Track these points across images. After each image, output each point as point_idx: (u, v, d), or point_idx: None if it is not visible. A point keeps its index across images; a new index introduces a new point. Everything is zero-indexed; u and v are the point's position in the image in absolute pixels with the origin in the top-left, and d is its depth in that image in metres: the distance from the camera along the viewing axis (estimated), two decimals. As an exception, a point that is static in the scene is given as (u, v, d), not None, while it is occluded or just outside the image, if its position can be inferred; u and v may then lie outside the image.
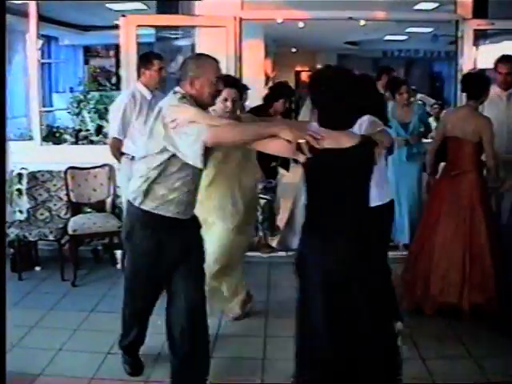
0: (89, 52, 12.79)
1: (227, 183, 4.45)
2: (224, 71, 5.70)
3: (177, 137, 3.18)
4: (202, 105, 3.39)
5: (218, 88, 3.48)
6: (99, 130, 9.61)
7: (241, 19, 6.10)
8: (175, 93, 3.37)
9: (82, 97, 11.36)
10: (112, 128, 5.35)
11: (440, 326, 4.69)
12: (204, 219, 4.02)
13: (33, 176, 6.25)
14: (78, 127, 9.50)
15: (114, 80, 12.68)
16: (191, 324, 3.62)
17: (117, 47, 12.49)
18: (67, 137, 8.25)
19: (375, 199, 3.74)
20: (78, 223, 5.89)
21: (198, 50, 6.20)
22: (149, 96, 5.31)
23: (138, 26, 5.86)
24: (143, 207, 3.43)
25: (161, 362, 4.12)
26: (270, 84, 9.74)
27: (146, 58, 5.32)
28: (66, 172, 6.18)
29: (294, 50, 15.88)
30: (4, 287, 3.03)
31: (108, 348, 4.38)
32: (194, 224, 3.68)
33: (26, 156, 6.38)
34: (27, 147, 6.53)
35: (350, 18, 6.36)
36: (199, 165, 3.17)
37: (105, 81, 12.63)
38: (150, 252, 3.50)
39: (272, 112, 6.00)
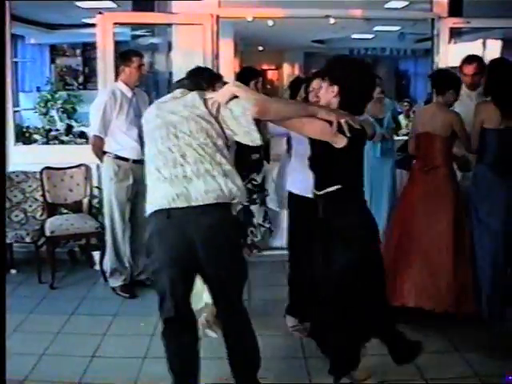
0: (55, 51, 12.60)
1: None
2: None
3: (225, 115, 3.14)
4: None
5: None
6: (69, 129, 9.51)
7: (218, 17, 6.06)
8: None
9: (49, 96, 11.22)
10: (93, 126, 5.29)
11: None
12: None
13: (7, 177, 6.10)
14: (47, 127, 9.37)
15: (81, 79, 12.56)
16: None
17: (84, 46, 12.43)
18: (37, 137, 8.14)
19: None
20: (55, 224, 5.78)
21: (175, 48, 6.17)
22: (129, 94, 5.27)
23: (115, 23, 5.77)
24: None
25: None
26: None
27: (125, 55, 5.26)
28: (41, 172, 6.06)
29: (260, 48, 15.85)
30: (4, 289, 2.95)
31: (92, 351, 4.32)
32: None
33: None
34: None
35: (328, 16, 6.37)
36: (257, 141, 3.16)
37: (72, 80, 12.47)
38: None
39: None
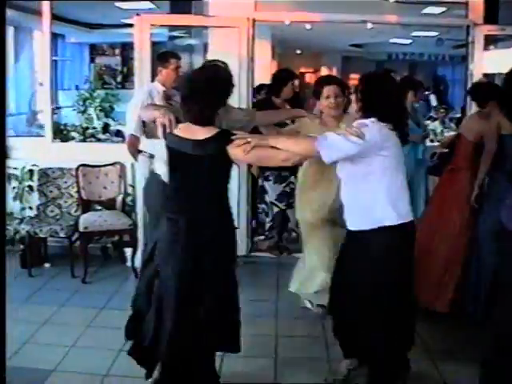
0: (95, 50, 12.81)
1: None
2: (236, 71, 5.82)
3: None
4: None
5: None
6: (106, 127, 9.67)
7: (254, 20, 6.11)
8: None
9: (87, 95, 11.39)
10: (129, 125, 5.36)
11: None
12: None
13: (44, 173, 6.27)
14: (84, 125, 9.53)
15: (119, 78, 12.74)
16: None
17: (123, 46, 12.61)
18: (74, 134, 8.29)
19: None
20: (88, 220, 5.91)
21: (211, 50, 6.24)
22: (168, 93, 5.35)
23: (152, 25, 5.88)
24: None
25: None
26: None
27: (163, 56, 5.35)
28: (77, 169, 6.20)
29: (298, 51, 15.90)
30: (4, 290, 3.03)
31: (120, 345, 4.35)
32: None
33: (36, 153, 6.41)
34: (38, 144, 6.55)
35: (364, 22, 6.39)
36: None
37: (110, 79, 12.67)
38: None
39: (282, 97, 6.04)
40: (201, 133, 3.27)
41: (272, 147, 3.31)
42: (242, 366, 4.07)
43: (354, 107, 3.58)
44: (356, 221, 3.52)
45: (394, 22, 6.61)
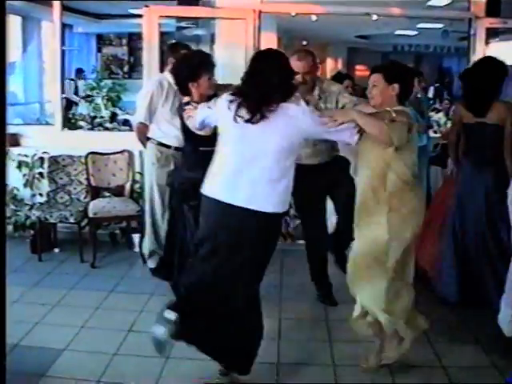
0: (101, 40, 12.90)
1: None
2: (243, 62, 5.96)
3: None
4: None
5: None
6: (113, 117, 9.79)
7: (260, 12, 6.23)
8: None
9: (95, 84, 11.50)
10: (139, 113, 5.49)
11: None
12: None
13: (54, 160, 6.40)
14: (92, 114, 9.66)
15: (126, 68, 12.85)
16: None
17: (130, 36, 12.70)
18: (82, 123, 8.43)
19: None
20: (97, 206, 6.05)
21: (218, 40, 6.36)
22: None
23: (161, 16, 6.00)
24: None
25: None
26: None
27: (173, 47, 5.46)
28: (86, 157, 6.33)
29: (304, 42, 15.91)
30: (4, 286, 3.16)
31: (129, 326, 4.55)
32: None
33: (47, 141, 6.54)
34: (48, 132, 6.69)
35: (368, 14, 6.50)
36: None
37: (117, 69, 12.77)
38: None
39: None
40: None
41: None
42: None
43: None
44: None
45: (398, 14, 6.71)
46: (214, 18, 6.63)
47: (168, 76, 5.46)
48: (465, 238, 5.01)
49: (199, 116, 3.87)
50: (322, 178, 4.74)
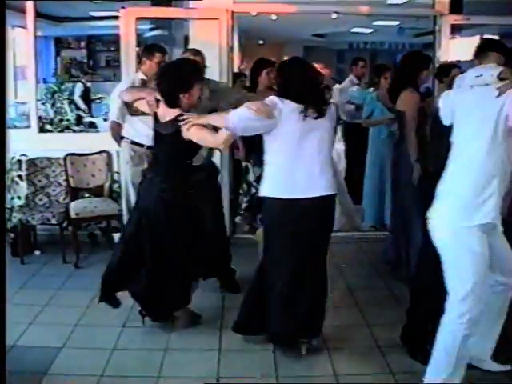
0: (60, 43, 12.83)
1: None
2: (217, 62, 6.07)
3: None
4: None
5: None
6: (79, 119, 9.79)
7: (233, 12, 6.36)
8: None
9: (56, 88, 11.46)
10: (112, 112, 5.59)
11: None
12: None
13: (32, 162, 6.40)
14: (58, 117, 9.64)
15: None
16: None
17: (88, 39, 12.67)
18: (48, 127, 8.42)
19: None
20: (79, 207, 6.09)
21: (192, 41, 6.45)
22: (148, 84, 5.53)
23: (138, 18, 6.08)
24: None
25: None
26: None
27: (150, 49, 5.54)
28: (65, 158, 6.35)
29: (261, 42, 16.06)
30: (4, 284, 3.23)
31: (122, 322, 4.64)
32: None
33: (24, 143, 6.53)
34: (25, 135, 6.69)
35: (336, 13, 6.67)
36: None
37: (78, 72, 12.72)
38: None
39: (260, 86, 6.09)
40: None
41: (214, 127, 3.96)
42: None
43: None
44: None
45: (364, 12, 6.92)
46: (186, 19, 6.70)
47: (141, 75, 5.54)
48: None
49: (242, 123, 3.84)
50: None
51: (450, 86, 4.67)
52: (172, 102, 4.10)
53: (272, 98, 3.84)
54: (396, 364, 4.04)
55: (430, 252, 3.53)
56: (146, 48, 5.62)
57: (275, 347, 4.22)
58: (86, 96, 9.83)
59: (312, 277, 4.02)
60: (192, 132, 3.97)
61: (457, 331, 3.36)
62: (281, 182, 3.94)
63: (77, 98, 10.89)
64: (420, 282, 4.15)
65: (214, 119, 3.98)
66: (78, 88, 11.11)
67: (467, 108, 3.35)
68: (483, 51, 3.54)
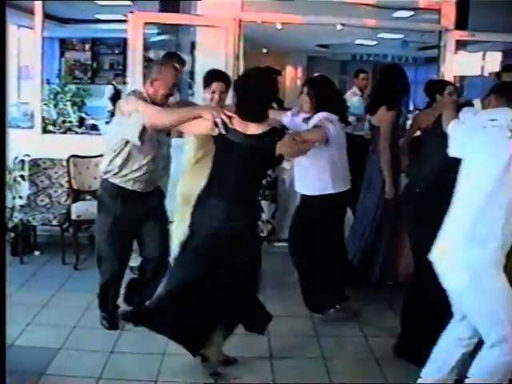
0: (64, 45, 12.88)
1: None
2: (223, 69, 6.08)
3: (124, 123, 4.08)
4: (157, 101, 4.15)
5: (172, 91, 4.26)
6: (81, 121, 9.80)
7: (240, 21, 6.41)
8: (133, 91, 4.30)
9: (59, 89, 11.50)
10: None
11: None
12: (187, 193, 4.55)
13: (35, 163, 6.43)
14: (61, 118, 9.66)
15: (89, 74, 12.85)
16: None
17: (93, 41, 12.71)
18: (51, 128, 8.44)
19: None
20: (81, 209, 6.11)
21: (199, 47, 6.48)
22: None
23: (146, 23, 6.11)
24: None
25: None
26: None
27: (169, 57, 5.56)
28: (68, 160, 6.35)
29: (264, 50, 16.11)
30: (4, 284, 3.24)
31: (121, 325, 4.61)
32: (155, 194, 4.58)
33: (27, 143, 6.55)
34: (29, 135, 6.71)
35: (343, 25, 6.73)
36: (137, 142, 4.04)
37: (81, 74, 12.78)
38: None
39: None
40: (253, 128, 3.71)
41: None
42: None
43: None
44: None
45: (372, 25, 6.99)
46: (193, 26, 6.74)
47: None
48: None
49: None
50: None
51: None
52: (263, 116, 3.78)
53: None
54: (392, 375, 4.07)
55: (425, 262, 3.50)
56: (165, 56, 5.65)
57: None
58: (115, 98, 9.79)
59: None
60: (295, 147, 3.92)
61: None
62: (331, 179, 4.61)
63: (106, 99, 10.98)
64: (415, 291, 4.18)
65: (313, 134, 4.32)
66: (109, 90, 11.19)
67: (479, 146, 3.28)
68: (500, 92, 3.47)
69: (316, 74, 5.41)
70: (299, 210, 4.95)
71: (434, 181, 3.95)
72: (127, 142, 4.17)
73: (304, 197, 4.84)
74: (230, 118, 3.67)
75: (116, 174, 4.35)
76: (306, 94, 4.61)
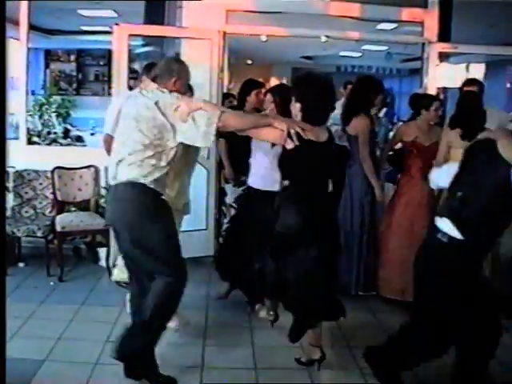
0: (49, 56, 12.86)
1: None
2: (207, 82, 6.11)
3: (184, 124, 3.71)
4: None
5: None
6: (66, 133, 9.80)
7: (225, 33, 6.44)
8: (161, 91, 3.93)
9: (44, 100, 11.50)
10: (107, 125, 5.57)
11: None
12: None
13: (19, 174, 6.42)
14: (46, 129, 9.66)
15: (75, 85, 12.83)
16: None
17: (78, 52, 12.70)
18: (36, 139, 8.44)
19: None
20: (65, 221, 6.10)
21: (184, 59, 6.46)
22: None
23: (130, 35, 6.13)
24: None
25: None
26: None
27: (150, 67, 5.55)
28: (52, 171, 6.36)
29: (249, 62, 16.20)
30: (4, 285, 3.24)
31: (105, 337, 4.62)
32: None
33: (11, 155, 6.50)
34: (13, 146, 6.67)
35: (327, 37, 6.79)
36: (209, 144, 3.85)
37: (66, 85, 12.75)
38: None
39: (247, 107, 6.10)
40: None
41: None
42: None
43: None
44: None
45: (356, 38, 7.06)
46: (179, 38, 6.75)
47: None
48: None
49: None
50: None
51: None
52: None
53: None
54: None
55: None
56: (147, 66, 5.54)
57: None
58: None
59: None
60: None
61: None
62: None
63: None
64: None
65: None
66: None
67: None
68: None
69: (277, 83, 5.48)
70: None
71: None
72: None
73: None
74: (303, 129, 3.80)
75: None
76: (272, 102, 4.78)
